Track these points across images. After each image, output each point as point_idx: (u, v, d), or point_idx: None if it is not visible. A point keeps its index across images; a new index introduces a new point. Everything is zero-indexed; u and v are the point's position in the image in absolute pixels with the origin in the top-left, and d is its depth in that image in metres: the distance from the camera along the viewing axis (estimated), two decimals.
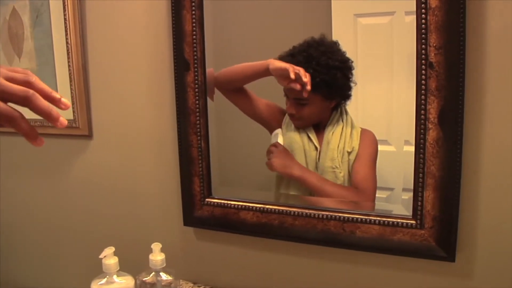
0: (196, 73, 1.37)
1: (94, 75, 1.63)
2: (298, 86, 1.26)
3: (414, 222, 1.17)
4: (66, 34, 1.60)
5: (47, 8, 1.64)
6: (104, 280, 1.31)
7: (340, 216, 1.26)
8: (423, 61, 1.09)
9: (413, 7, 1.10)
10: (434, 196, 1.14)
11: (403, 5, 1.16)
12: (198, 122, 1.39)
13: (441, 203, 1.13)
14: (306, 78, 1.25)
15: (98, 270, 1.31)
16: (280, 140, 1.37)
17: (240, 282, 1.50)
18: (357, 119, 1.31)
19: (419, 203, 1.16)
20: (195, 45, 1.35)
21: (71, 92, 1.64)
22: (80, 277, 1.71)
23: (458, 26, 1.04)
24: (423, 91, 1.10)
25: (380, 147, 1.28)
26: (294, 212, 1.32)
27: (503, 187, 1.12)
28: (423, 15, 1.07)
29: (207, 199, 1.44)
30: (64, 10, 1.59)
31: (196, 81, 1.37)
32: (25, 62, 1.74)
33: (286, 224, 1.33)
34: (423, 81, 1.09)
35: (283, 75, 1.28)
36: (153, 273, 1.32)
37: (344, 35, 1.26)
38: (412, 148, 1.16)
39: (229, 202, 1.41)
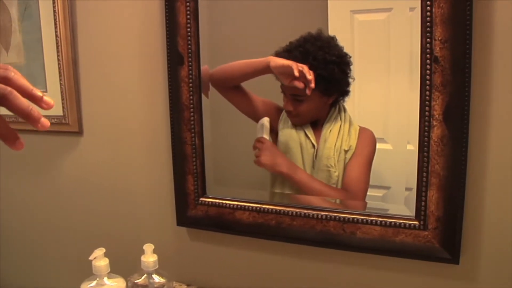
0: (190, 68, 1.34)
1: (84, 70, 1.60)
2: (301, 85, 1.24)
3: (417, 223, 1.15)
4: (56, 27, 1.57)
5: (36, 1, 1.60)
6: (94, 283, 1.27)
7: (340, 217, 1.23)
8: (427, 55, 1.06)
9: (410, 3, 1.10)
10: (438, 196, 1.11)
11: (400, 1, 1.16)
12: (192, 118, 1.37)
13: (446, 203, 1.11)
14: (310, 75, 1.23)
15: (88, 271, 1.28)
16: (266, 133, 1.35)
17: (236, 285, 1.47)
18: (353, 116, 1.29)
19: (423, 203, 1.13)
20: (189, 38, 1.32)
21: (61, 87, 1.61)
22: (69, 278, 1.70)
23: (465, 18, 1.01)
24: (427, 87, 1.07)
25: (377, 145, 1.26)
26: (292, 212, 1.29)
27: (510, 187, 1.09)
28: (428, 8, 1.04)
29: (201, 198, 1.42)
30: (53, 2, 1.55)
31: (190, 76, 1.34)
32: (13, 56, 1.71)
33: (284, 224, 1.31)
34: (427, 77, 1.07)
35: (285, 73, 1.26)
36: (145, 275, 1.29)
37: (341, 31, 1.24)
38: (411, 147, 1.15)
39: (224, 201, 1.39)
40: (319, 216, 1.26)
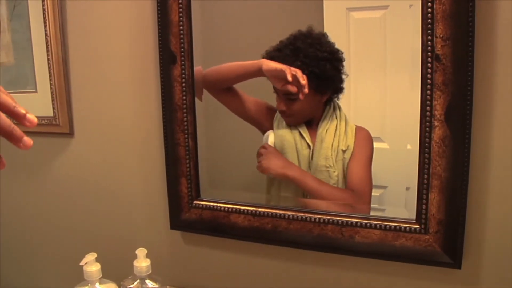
0: (183, 67, 1.32)
1: (75, 69, 1.58)
2: (294, 89, 1.24)
3: (418, 226, 1.13)
4: (45, 26, 1.55)
5: None
6: None
7: (338, 220, 1.21)
8: (428, 53, 1.04)
9: (407, 1, 1.11)
10: (439, 198, 1.09)
11: None
12: (185, 119, 1.35)
13: (447, 206, 1.08)
14: (304, 80, 1.22)
15: (80, 274, 1.27)
16: (271, 141, 1.34)
17: None
18: (349, 115, 1.29)
19: (424, 206, 1.11)
20: (182, 36, 1.30)
21: (51, 88, 1.59)
22: (61, 280, 1.71)
23: (467, 15, 0.99)
24: (428, 86, 1.05)
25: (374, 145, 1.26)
26: (289, 215, 1.27)
27: None
28: (429, 4, 1.02)
29: (195, 201, 1.40)
30: (43, 1, 1.53)
31: (183, 75, 1.32)
32: (2, 56, 1.69)
33: (280, 228, 1.29)
34: (428, 75, 1.04)
35: (278, 77, 1.25)
36: (138, 280, 1.28)
37: (336, 29, 1.24)
38: (410, 146, 1.14)
39: (218, 204, 1.37)
40: (317, 219, 1.23)
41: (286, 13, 1.31)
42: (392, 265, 1.19)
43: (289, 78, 1.22)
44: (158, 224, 1.52)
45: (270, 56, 1.27)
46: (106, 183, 1.60)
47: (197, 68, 1.34)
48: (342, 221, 1.20)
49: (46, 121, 1.62)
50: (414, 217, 1.13)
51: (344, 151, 1.27)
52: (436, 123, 1.05)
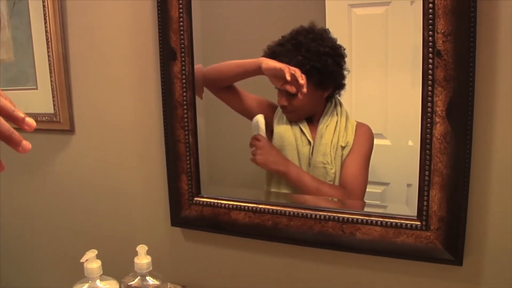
0: (183, 63, 1.31)
1: (75, 66, 1.58)
2: (293, 89, 1.24)
3: (419, 223, 1.12)
4: (45, 23, 1.54)
5: None
6: (86, 285, 1.26)
7: (339, 217, 1.21)
8: (430, 49, 1.03)
9: None
10: (441, 195, 1.08)
11: None
12: (185, 115, 1.34)
13: (449, 203, 1.08)
14: (302, 80, 1.23)
15: (81, 272, 1.27)
16: (262, 130, 1.33)
17: (231, 286, 1.46)
18: (351, 112, 1.29)
19: (425, 203, 1.10)
20: (182, 32, 1.30)
21: (51, 85, 1.59)
22: (62, 278, 1.70)
23: (469, 10, 0.98)
24: (430, 82, 1.04)
25: (375, 141, 1.25)
26: (289, 212, 1.27)
27: None
28: None
29: (195, 198, 1.40)
30: None
31: (184, 72, 1.32)
32: (2, 53, 1.68)
33: (281, 225, 1.28)
34: (430, 71, 1.04)
35: (277, 76, 1.26)
36: (139, 277, 1.28)
37: (339, 25, 1.23)
38: (411, 142, 1.14)
39: (219, 201, 1.37)
40: (317, 216, 1.23)
41: (287, 10, 1.30)
42: (393, 262, 1.19)
43: (288, 77, 1.22)
44: (158, 221, 1.52)
45: (272, 51, 1.27)
46: (106, 180, 1.60)
47: (198, 66, 1.33)
48: (343, 218, 1.20)
49: (46, 118, 1.62)
50: (415, 214, 1.13)
51: (343, 148, 1.27)
52: (437, 119, 1.05)
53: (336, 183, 1.28)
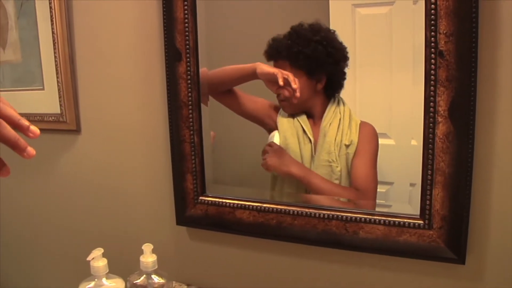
0: (188, 64, 1.32)
1: (81, 67, 1.58)
2: (287, 93, 1.27)
3: (422, 222, 1.13)
4: (52, 24, 1.55)
5: None
6: (92, 283, 1.27)
7: (342, 216, 1.21)
8: (432, 49, 1.03)
9: None
10: (443, 194, 1.08)
11: None
12: (190, 115, 1.35)
13: (451, 202, 1.08)
14: (295, 84, 1.25)
15: (87, 271, 1.27)
16: (276, 139, 1.34)
17: (236, 285, 1.46)
18: (355, 111, 1.28)
19: (427, 202, 1.11)
20: (187, 33, 1.31)
21: (58, 85, 1.59)
22: (68, 278, 1.69)
23: (471, 11, 0.98)
24: (432, 82, 1.05)
25: (379, 141, 1.25)
26: (293, 211, 1.27)
27: None
28: (432, 0, 1.02)
29: (200, 197, 1.40)
30: None
31: (189, 72, 1.33)
32: (9, 54, 1.69)
33: (285, 224, 1.29)
34: (432, 71, 1.04)
35: (271, 80, 1.28)
36: (145, 275, 1.28)
37: (342, 25, 1.23)
38: (415, 142, 1.14)
39: (224, 200, 1.37)
40: (321, 215, 1.24)
41: (291, 10, 1.31)
42: (396, 260, 1.19)
43: (280, 82, 1.25)
44: (163, 220, 1.52)
45: (274, 40, 1.28)
46: (112, 179, 1.60)
47: (202, 69, 1.34)
48: (347, 217, 1.20)
49: (53, 118, 1.63)
50: (418, 212, 1.13)
51: (347, 146, 1.27)
52: (439, 119, 1.05)
53: (343, 180, 1.28)
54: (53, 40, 1.56)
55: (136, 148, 1.54)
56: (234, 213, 1.35)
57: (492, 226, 1.10)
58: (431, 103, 1.05)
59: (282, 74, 1.25)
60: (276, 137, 1.33)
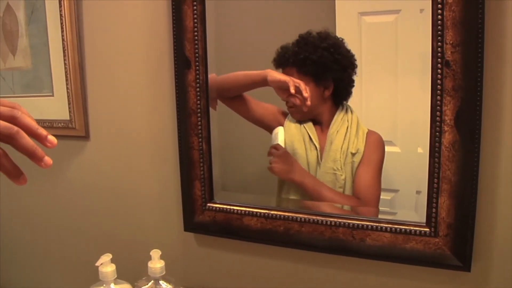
0: (197, 72, 1.33)
1: (91, 74, 1.59)
2: (297, 101, 1.28)
3: (428, 229, 1.13)
4: (62, 31, 1.56)
5: (43, 4, 1.60)
6: None
7: (349, 223, 1.21)
8: (439, 59, 1.04)
9: (419, 5, 1.10)
10: (449, 202, 1.09)
11: (409, 3, 1.16)
12: (199, 123, 1.36)
13: (457, 209, 1.09)
14: (306, 93, 1.26)
15: (95, 277, 1.27)
16: (281, 139, 1.34)
17: None
18: (361, 119, 1.29)
19: (434, 210, 1.11)
20: (196, 42, 1.31)
21: (67, 92, 1.60)
22: (76, 283, 1.70)
23: (477, 22, 0.99)
24: (438, 91, 1.05)
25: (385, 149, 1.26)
26: (301, 218, 1.28)
27: None
28: (439, 11, 1.03)
29: (208, 204, 1.40)
30: (60, 6, 1.54)
31: (198, 80, 1.33)
32: (19, 60, 1.70)
33: (292, 230, 1.29)
34: (438, 81, 1.05)
35: (282, 88, 1.29)
36: (152, 281, 1.28)
37: (349, 33, 1.23)
38: (421, 150, 1.15)
39: (232, 207, 1.37)
40: (328, 222, 1.24)
41: (298, 19, 1.31)
42: (402, 268, 1.19)
43: (292, 90, 1.26)
44: (171, 226, 1.52)
45: (282, 48, 1.29)
46: (120, 186, 1.61)
47: (211, 75, 1.35)
48: (353, 224, 1.21)
49: (62, 124, 1.64)
50: (424, 220, 1.13)
51: (353, 154, 1.27)
52: (446, 128, 1.06)
53: (347, 189, 1.28)
54: (63, 47, 1.57)
55: (145, 154, 1.54)
56: (242, 220, 1.35)
57: (497, 234, 1.11)
58: (438, 112, 1.06)
59: (293, 82, 1.25)
60: (280, 134, 1.34)
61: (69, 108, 1.61)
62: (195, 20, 1.30)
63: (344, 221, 1.22)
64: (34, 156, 0.73)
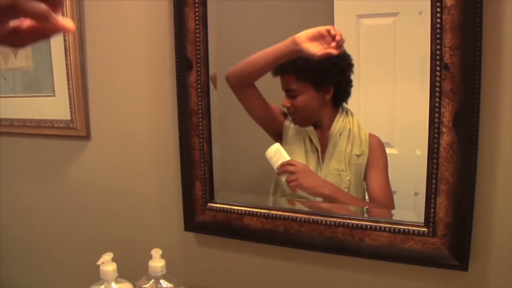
0: (199, 73, 1.34)
1: (92, 74, 1.60)
2: (334, 50, 1.20)
3: (426, 229, 1.14)
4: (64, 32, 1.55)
5: None
6: (101, 287, 1.28)
7: (348, 223, 1.22)
8: (437, 62, 1.06)
9: (417, 8, 1.11)
10: (447, 202, 1.10)
11: (407, 6, 1.16)
12: (200, 123, 1.36)
13: (455, 210, 1.10)
14: (339, 36, 1.19)
15: (95, 276, 1.28)
16: (286, 155, 1.32)
17: None
18: (359, 121, 1.29)
19: (432, 210, 1.12)
20: (198, 43, 1.32)
21: (69, 92, 1.61)
22: (77, 282, 1.70)
23: (475, 26, 1.01)
24: (437, 94, 1.07)
25: None
26: (301, 218, 1.29)
27: None
28: (438, 14, 1.04)
29: (209, 204, 1.41)
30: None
31: (199, 81, 1.34)
32: (21, 60, 1.71)
33: (292, 230, 1.30)
34: (437, 83, 1.06)
35: (316, 39, 1.22)
36: (153, 280, 1.29)
37: (347, 36, 1.23)
38: (419, 152, 1.16)
39: (232, 207, 1.38)
40: (328, 222, 1.25)
41: (298, 22, 1.31)
42: (401, 267, 1.20)
43: (333, 31, 1.19)
44: (172, 226, 1.53)
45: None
46: (121, 185, 1.61)
47: (212, 72, 1.35)
48: (353, 224, 1.21)
49: (63, 124, 1.64)
50: (423, 220, 1.14)
51: (358, 156, 1.28)
52: (444, 130, 1.07)
53: (351, 189, 1.29)
54: (65, 48, 1.57)
55: (146, 154, 1.55)
56: (242, 220, 1.36)
57: (495, 234, 1.12)
58: (436, 114, 1.07)
59: (323, 28, 1.20)
60: (283, 150, 1.32)
61: (70, 108, 1.62)
62: (197, 22, 1.31)
63: (344, 221, 1.23)
64: (50, 20, 0.57)
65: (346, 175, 1.28)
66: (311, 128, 1.33)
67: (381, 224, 1.19)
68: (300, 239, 1.29)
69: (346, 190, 1.29)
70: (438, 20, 1.04)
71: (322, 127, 1.32)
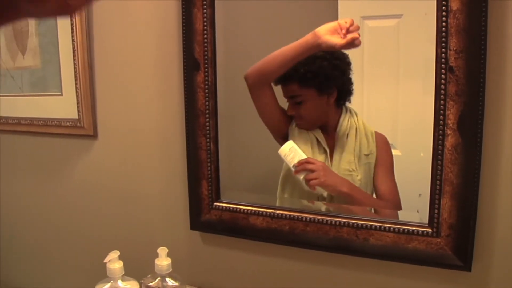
0: (206, 74, 1.34)
1: (100, 74, 1.61)
2: (356, 40, 1.19)
3: (430, 230, 1.15)
4: (72, 32, 1.58)
5: None
6: (108, 285, 1.28)
7: (353, 223, 1.23)
8: (442, 65, 1.07)
9: (421, 10, 1.12)
10: (451, 204, 1.11)
11: (411, 8, 1.17)
12: (207, 123, 1.37)
13: (459, 211, 1.11)
14: (354, 25, 1.20)
15: (102, 274, 1.29)
16: (302, 153, 1.31)
17: None
18: (364, 120, 1.30)
19: (436, 211, 1.13)
20: (205, 44, 1.33)
21: (76, 91, 1.62)
22: (83, 280, 1.70)
23: (480, 29, 1.02)
24: (442, 96, 1.08)
25: None
26: (306, 218, 1.29)
27: None
28: (443, 18, 1.05)
29: (215, 203, 1.42)
30: None
31: (207, 82, 1.35)
32: (29, 59, 1.72)
33: (297, 230, 1.31)
34: (442, 86, 1.07)
35: (335, 32, 1.21)
36: (159, 278, 1.29)
37: None
38: (423, 153, 1.15)
39: (238, 206, 1.39)
40: (333, 222, 1.25)
41: (303, 24, 1.32)
42: (405, 267, 1.21)
43: (349, 22, 1.19)
44: (178, 224, 1.53)
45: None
46: (128, 184, 1.62)
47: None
48: (357, 224, 1.22)
49: (70, 123, 1.66)
50: (427, 221, 1.15)
51: (367, 155, 1.29)
52: (448, 132, 1.08)
53: (361, 188, 1.29)
54: (73, 47, 1.59)
55: (152, 154, 1.55)
56: (248, 219, 1.37)
57: (498, 235, 1.13)
58: (441, 116, 1.08)
59: (342, 21, 1.19)
60: (297, 148, 1.31)
61: (77, 107, 1.63)
62: (205, 23, 1.32)
63: (348, 221, 1.24)
64: None
65: (357, 175, 1.29)
66: (317, 130, 1.33)
67: (385, 224, 1.20)
68: (305, 239, 1.30)
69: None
70: (444, 23, 1.05)
71: (327, 129, 1.33)
